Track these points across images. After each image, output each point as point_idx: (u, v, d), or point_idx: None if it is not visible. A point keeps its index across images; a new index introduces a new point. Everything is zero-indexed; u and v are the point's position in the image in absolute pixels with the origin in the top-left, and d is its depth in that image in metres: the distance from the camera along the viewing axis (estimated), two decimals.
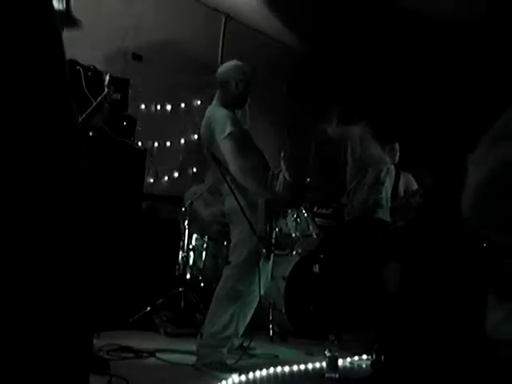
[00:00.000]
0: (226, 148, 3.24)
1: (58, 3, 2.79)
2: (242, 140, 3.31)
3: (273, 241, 3.34)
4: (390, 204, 4.64)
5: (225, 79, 3.44)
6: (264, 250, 3.23)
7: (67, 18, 2.89)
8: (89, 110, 2.66)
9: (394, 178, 4.89)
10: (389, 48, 5.92)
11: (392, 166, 4.82)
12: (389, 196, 4.64)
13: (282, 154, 3.80)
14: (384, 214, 4.54)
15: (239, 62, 3.51)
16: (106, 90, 2.73)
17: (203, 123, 3.45)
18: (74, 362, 2.42)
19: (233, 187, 3.23)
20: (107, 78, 2.75)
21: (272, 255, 3.39)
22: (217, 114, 3.37)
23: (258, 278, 3.24)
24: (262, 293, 3.43)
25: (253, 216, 3.21)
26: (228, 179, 3.25)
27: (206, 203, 3.48)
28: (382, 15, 5.49)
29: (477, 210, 0.92)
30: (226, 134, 3.23)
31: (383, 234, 4.48)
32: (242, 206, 3.19)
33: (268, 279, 3.63)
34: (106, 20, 3.45)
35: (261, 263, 3.25)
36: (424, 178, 5.43)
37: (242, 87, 3.44)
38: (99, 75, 4.06)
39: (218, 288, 3.34)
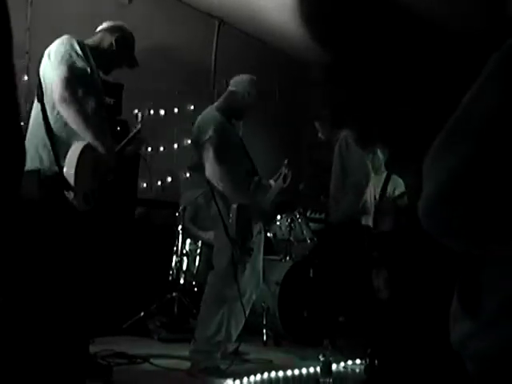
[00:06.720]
0: (205, 152, 3.32)
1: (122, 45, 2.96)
2: (225, 144, 3.36)
3: (250, 245, 3.36)
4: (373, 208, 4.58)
5: (237, 89, 3.55)
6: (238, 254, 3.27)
7: (130, 60, 3.04)
8: (122, 144, 2.90)
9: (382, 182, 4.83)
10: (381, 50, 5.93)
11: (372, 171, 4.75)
12: (372, 201, 4.57)
13: (286, 161, 3.80)
14: (367, 220, 4.50)
15: (254, 77, 3.66)
16: (140, 126, 2.93)
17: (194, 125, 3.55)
18: (72, 366, 2.42)
19: (215, 192, 3.27)
20: (139, 115, 2.96)
21: (262, 260, 3.41)
22: (205, 117, 3.48)
23: (244, 282, 3.31)
24: (253, 297, 3.47)
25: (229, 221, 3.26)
26: (210, 183, 3.31)
27: (199, 210, 3.48)
28: (380, 18, 5.50)
29: (428, 219, 0.98)
30: (206, 138, 3.32)
31: (368, 239, 4.44)
32: (220, 210, 3.23)
33: (259, 283, 3.64)
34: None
35: (245, 267, 3.29)
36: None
37: (249, 100, 3.56)
38: None
39: (205, 294, 3.38)
